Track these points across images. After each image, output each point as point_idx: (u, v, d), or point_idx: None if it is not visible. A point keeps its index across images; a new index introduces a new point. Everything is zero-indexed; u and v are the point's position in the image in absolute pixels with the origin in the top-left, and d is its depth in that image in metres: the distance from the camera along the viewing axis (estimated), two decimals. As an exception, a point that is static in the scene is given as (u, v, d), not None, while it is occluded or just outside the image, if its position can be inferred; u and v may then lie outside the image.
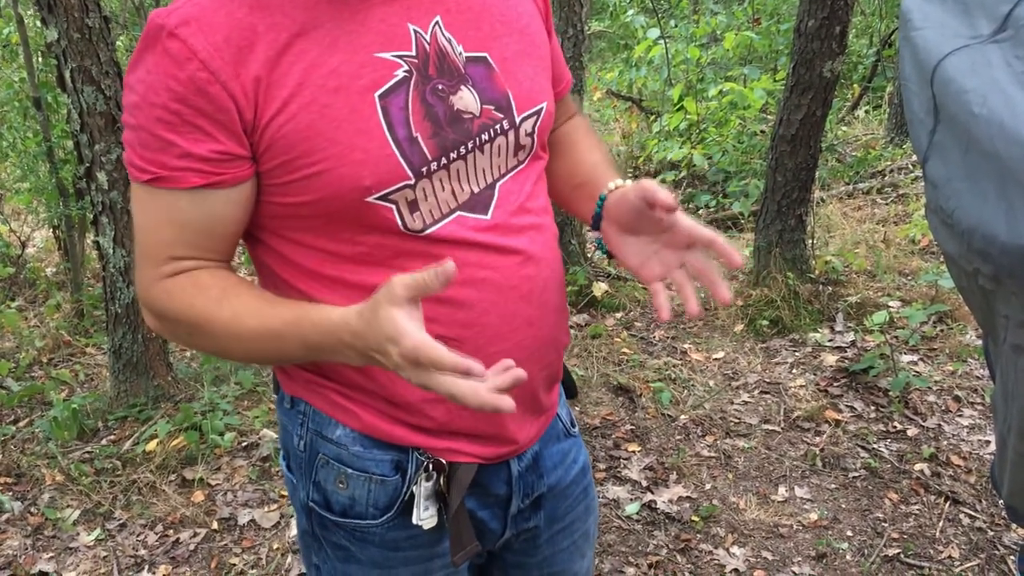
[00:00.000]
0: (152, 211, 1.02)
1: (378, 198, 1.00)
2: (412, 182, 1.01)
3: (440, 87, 1.04)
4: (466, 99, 1.06)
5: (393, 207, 1.02)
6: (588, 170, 1.30)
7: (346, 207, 1.01)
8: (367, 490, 1.14)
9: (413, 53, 1.03)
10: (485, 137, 1.08)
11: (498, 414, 1.13)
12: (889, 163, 7.20)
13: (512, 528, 1.26)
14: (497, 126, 1.09)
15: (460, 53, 1.07)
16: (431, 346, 0.88)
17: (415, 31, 1.03)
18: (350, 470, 1.14)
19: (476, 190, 1.09)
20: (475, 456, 1.16)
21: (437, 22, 1.06)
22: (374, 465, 1.14)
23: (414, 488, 1.14)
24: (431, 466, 1.14)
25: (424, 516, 1.14)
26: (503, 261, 1.10)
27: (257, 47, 0.95)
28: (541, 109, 1.15)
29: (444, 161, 1.04)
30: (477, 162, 1.08)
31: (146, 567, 2.86)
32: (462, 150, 1.06)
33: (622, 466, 3.31)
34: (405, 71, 1.02)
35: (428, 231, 1.05)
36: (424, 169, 1.02)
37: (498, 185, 1.11)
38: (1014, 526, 2.88)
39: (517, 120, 1.11)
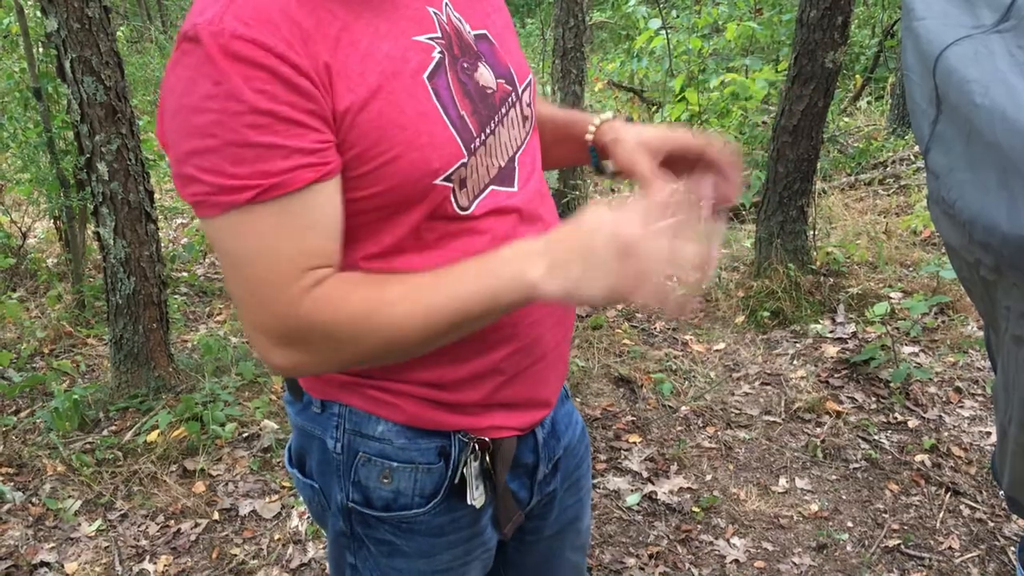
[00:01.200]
0: (266, 230, 0.92)
1: (443, 179, 1.02)
2: (466, 160, 1.04)
3: (465, 65, 1.07)
4: (485, 75, 1.10)
5: (451, 187, 1.03)
6: (553, 118, 1.35)
7: (414, 193, 1.00)
8: (413, 480, 1.16)
9: (440, 34, 1.05)
10: (503, 110, 1.12)
11: (538, 382, 1.20)
12: (891, 154, 7.19)
13: (538, 494, 1.31)
14: (509, 99, 1.14)
15: (469, 31, 1.11)
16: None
17: (434, 13, 1.06)
18: (395, 463, 1.15)
19: (503, 163, 1.12)
20: (514, 428, 1.20)
21: (447, 3, 1.09)
22: (419, 455, 1.15)
23: (463, 470, 1.16)
24: (476, 445, 1.16)
25: (476, 495, 1.18)
26: (531, 230, 1.14)
27: (315, 39, 0.93)
28: (531, 80, 1.21)
29: (483, 137, 1.07)
30: (501, 136, 1.12)
31: (147, 557, 2.87)
32: (493, 124, 1.09)
33: (623, 457, 3.31)
34: (439, 52, 1.04)
35: (472, 207, 1.07)
36: (472, 146, 1.05)
37: (516, 157, 1.16)
38: (1014, 517, 2.88)
39: (520, 92, 1.16)
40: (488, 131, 1.08)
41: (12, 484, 3.27)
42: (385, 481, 1.16)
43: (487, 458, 1.18)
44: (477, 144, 1.06)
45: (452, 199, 1.04)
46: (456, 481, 1.17)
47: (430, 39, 1.03)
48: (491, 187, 1.09)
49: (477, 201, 1.07)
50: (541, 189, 1.19)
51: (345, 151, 0.95)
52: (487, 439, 1.16)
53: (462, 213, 1.06)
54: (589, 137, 1.28)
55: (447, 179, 1.02)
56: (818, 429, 3.46)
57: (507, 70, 1.14)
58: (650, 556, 2.77)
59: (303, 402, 1.21)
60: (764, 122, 6.96)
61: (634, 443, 3.41)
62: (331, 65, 0.93)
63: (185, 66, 0.90)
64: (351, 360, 1.01)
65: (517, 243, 0.98)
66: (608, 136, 1.25)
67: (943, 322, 4.26)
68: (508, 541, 1.37)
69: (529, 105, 1.19)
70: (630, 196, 0.98)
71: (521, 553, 1.40)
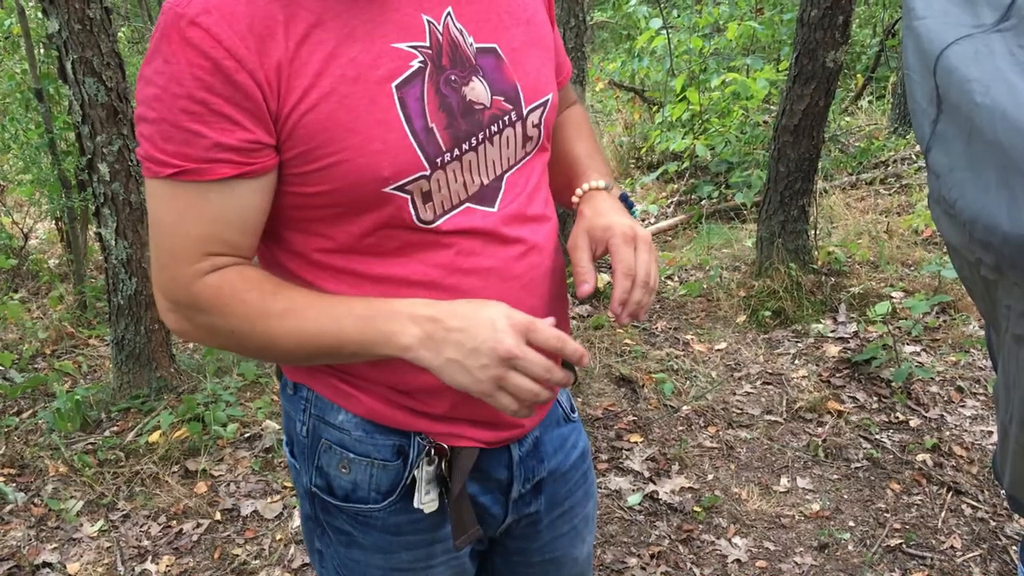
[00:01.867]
0: (179, 207, 0.98)
1: (395, 188, 1.01)
2: (428, 173, 1.02)
3: (453, 78, 1.05)
4: (477, 90, 1.07)
5: (408, 198, 1.02)
6: (571, 163, 1.32)
7: (363, 197, 1.01)
8: (369, 475, 1.16)
9: (427, 44, 1.03)
10: (495, 128, 1.09)
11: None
12: (892, 153, 7.18)
13: (513, 513, 1.28)
14: (506, 117, 1.10)
15: (471, 44, 1.08)
16: (545, 324, 1.01)
17: (429, 21, 1.04)
18: (352, 455, 1.15)
19: (485, 182, 1.10)
20: (477, 440, 1.17)
21: (449, 13, 1.06)
22: (376, 450, 1.15)
23: (416, 472, 1.15)
24: (432, 450, 1.15)
25: (425, 500, 1.16)
26: (506, 252, 1.11)
27: (277, 36, 0.95)
28: (547, 100, 1.16)
29: (457, 152, 1.05)
30: (487, 154, 1.09)
31: (149, 558, 2.87)
32: (473, 141, 1.07)
33: (624, 457, 3.31)
34: (420, 62, 1.02)
35: (438, 222, 1.06)
36: (439, 160, 1.03)
37: (505, 177, 1.13)
38: (1016, 516, 2.88)
39: (525, 112, 1.12)
40: (466, 147, 1.06)
41: (14, 485, 3.27)
42: (343, 471, 1.16)
43: (443, 465, 1.16)
44: (447, 159, 1.04)
45: (412, 211, 1.03)
46: (409, 482, 1.16)
47: (413, 47, 1.02)
48: (466, 204, 1.08)
49: (446, 217, 1.06)
50: (530, 212, 1.15)
51: (290, 148, 0.98)
52: (444, 445, 1.15)
53: (423, 226, 1.05)
54: (575, 199, 1.26)
55: (401, 189, 1.01)
56: (820, 429, 3.45)
57: (512, 87, 1.10)
58: (652, 556, 2.77)
59: (282, 383, 1.23)
60: (765, 121, 6.96)
61: (635, 443, 3.41)
62: (285, 64, 0.95)
63: (154, 38, 0.95)
64: (229, 348, 1.08)
65: (411, 301, 1.02)
66: (581, 206, 1.24)
67: (944, 321, 4.26)
68: (495, 557, 1.36)
69: (537, 126, 1.15)
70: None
71: (511, 573, 1.38)
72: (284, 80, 0.95)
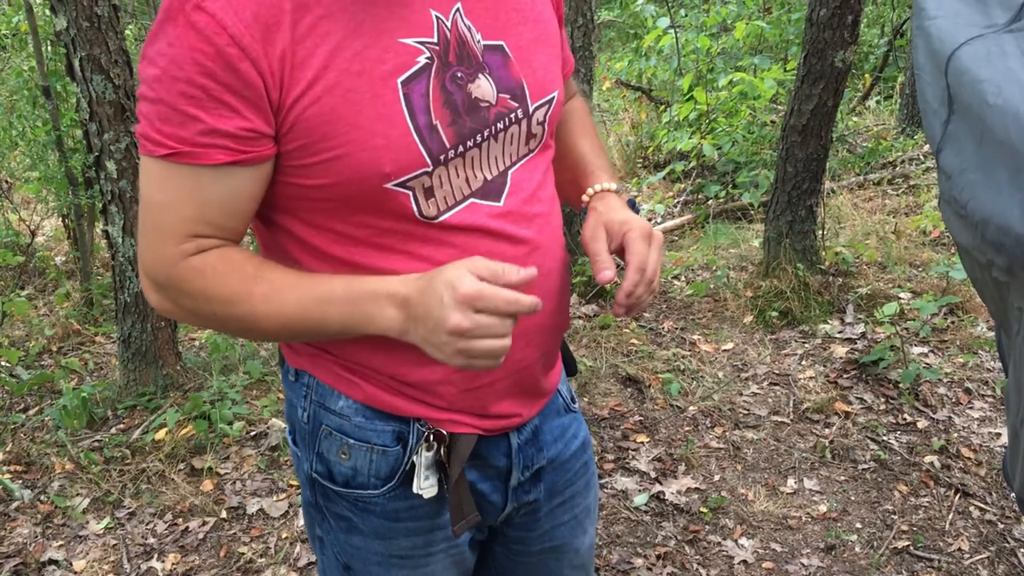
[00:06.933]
0: (171, 187, 0.99)
1: (396, 184, 1.01)
2: (430, 169, 1.02)
3: (459, 75, 1.05)
4: (483, 87, 1.07)
5: (410, 193, 1.02)
6: (576, 160, 1.33)
7: (364, 192, 1.01)
8: (369, 460, 1.16)
9: (435, 40, 1.03)
10: (500, 126, 1.09)
11: (495, 398, 1.18)
12: (900, 154, 7.17)
13: (513, 501, 1.28)
14: (512, 115, 1.10)
15: (479, 41, 1.08)
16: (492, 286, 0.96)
17: (437, 17, 1.04)
18: (352, 441, 1.16)
19: (489, 177, 1.10)
20: (475, 428, 1.18)
21: (458, 9, 1.06)
22: (375, 436, 1.15)
23: (414, 458, 1.15)
24: (432, 436, 1.15)
25: (424, 485, 1.16)
26: (512, 250, 1.11)
27: (283, 26, 0.94)
28: (552, 98, 1.16)
29: (461, 149, 1.05)
30: (491, 150, 1.09)
31: (155, 555, 2.87)
32: (478, 138, 1.06)
33: (630, 457, 3.31)
34: (427, 58, 1.02)
35: (442, 218, 1.06)
36: (442, 157, 1.03)
37: (510, 173, 1.13)
38: (1024, 519, 2.87)
39: (530, 109, 1.12)
40: (470, 144, 1.05)
41: (21, 482, 3.28)
42: (343, 457, 1.17)
43: (442, 451, 1.16)
44: (450, 155, 1.03)
45: (413, 205, 1.03)
46: (408, 468, 1.16)
47: (420, 43, 1.01)
48: (471, 200, 1.08)
49: (451, 212, 1.06)
50: (535, 209, 1.15)
51: (291, 140, 0.98)
52: (443, 432, 1.16)
53: (430, 221, 1.05)
54: (586, 199, 1.26)
55: (403, 185, 1.01)
56: (827, 430, 3.44)
57: (518, 85, 1.10)
58: (658, 556, 2.76)
59: (284, 370, 1.24)
60: (773, 121, 6.95)
61: (642, 443, 3.40)
62: (289, 54, 0.94)
63: (159, 18, 0.95)
64: (212, 327, 1.11)
65: (388, 280, 1.02)
66: (593, 203, 1.25)
67: (952, 323, 4.25)
68: (495, 547, 1.36)
69: (541, 124, 1.15)
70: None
71: (512, 562, 1.38)
72: (288, 71, 0.95)
